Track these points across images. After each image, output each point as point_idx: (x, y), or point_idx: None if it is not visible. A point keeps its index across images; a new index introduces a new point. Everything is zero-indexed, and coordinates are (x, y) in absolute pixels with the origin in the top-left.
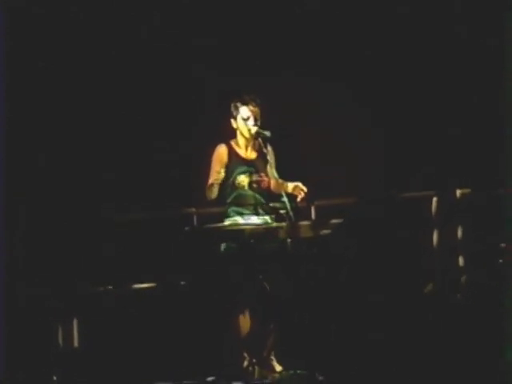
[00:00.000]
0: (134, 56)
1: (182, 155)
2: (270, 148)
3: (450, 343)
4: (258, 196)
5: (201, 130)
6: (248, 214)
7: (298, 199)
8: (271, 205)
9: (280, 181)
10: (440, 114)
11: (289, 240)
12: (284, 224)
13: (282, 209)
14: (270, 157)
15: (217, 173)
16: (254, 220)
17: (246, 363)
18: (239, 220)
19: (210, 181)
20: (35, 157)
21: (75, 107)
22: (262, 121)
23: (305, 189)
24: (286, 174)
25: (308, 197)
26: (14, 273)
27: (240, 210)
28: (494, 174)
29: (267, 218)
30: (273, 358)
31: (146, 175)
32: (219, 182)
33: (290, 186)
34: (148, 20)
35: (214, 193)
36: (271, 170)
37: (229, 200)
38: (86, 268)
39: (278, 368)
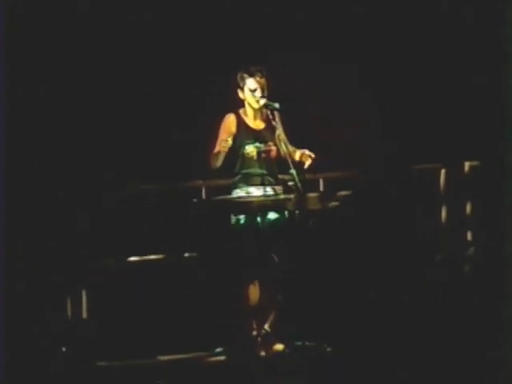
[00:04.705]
0: (135, 41)
1: (190, 127)
2: (278, 119)
3: (457, 316)
4: (265, 168)
5: (209, 102)
6: (256, 186)
7: (306, 166)
8: (279, 176)
9: (291, 148)
10: (449, 85)
11: (297, 212)
12: (292, 196)
13: (291, 180)
14: (279, 128)
15: (224, 141)
16: (263, 192)
17: (254, 333)
18: (247, 192)
19: (217, 149)
20: (35, 150)
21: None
22: (270, 91)
23: (312, 155)
24: (295, 146)
25: (316, 165)
26: (17, 245)
27: (248, 181)
28: (502, 146)
29: (275, 189)
30: (280, 329)
31: (154, 148)
32: (226, 149)
33: (298, 153)
34: (148, 5)
35: (220, 161)
36: (282, 139)
37: (237, 171)
38: (94, 240)
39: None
